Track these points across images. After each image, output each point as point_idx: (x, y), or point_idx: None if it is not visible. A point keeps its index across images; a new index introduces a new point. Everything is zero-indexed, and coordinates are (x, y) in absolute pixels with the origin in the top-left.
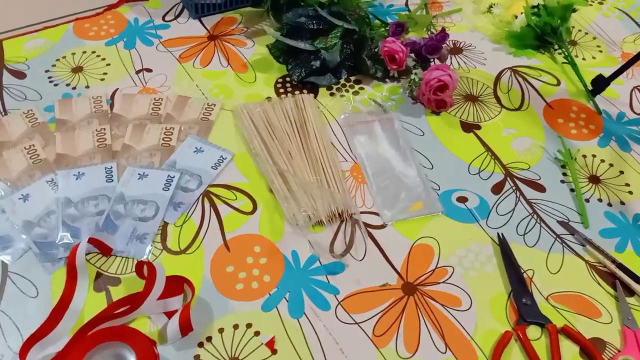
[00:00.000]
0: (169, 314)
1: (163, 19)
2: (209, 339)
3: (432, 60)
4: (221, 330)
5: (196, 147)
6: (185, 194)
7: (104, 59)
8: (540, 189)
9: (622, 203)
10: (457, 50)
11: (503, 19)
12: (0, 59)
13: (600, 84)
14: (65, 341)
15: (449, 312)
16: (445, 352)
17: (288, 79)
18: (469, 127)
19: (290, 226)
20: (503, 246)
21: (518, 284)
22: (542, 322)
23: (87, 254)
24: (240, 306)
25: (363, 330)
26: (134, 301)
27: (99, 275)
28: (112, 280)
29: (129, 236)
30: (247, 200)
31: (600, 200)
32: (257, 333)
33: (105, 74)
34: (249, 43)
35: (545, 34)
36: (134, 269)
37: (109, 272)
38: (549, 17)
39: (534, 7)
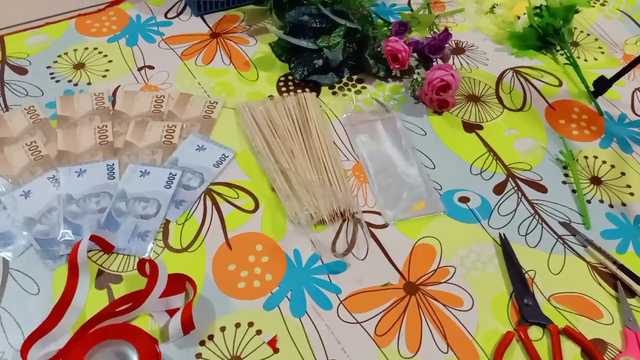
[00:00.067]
0: (171, 312)
1: (165, 16)
2: (210, 337)
3: (434, 60)
4: (223, 329)
5: (198, 145)
6: (187, 192)
7: (105, 56)
8: (542, 189)
9: (624, 204)
10: (459, 50)
11: (505, 19)
12: (1, 55)
13: (602, 85)
14: (67, 339)
15: (450, 312)
16: (447, 352)
17: (290, 77)
18: (471, 127)
19: (292, 225)
20: (505, 246)
21: (520, 285)
22: (544, 322)
23: (88, 252)
24: (242, 305)
25: (365, 329)
26: (136, 299)
27: (100, 272)
28: (114, 277)
29: (131, 234)
30: (249, 199)
31: (601, 201)
32: (259, 332)
33: (107, 70)
34: (251, 41)
35: (547, 34)
36: (135, 267)
37: (111, 270)
38: (552, 18)
39: (536, 7)
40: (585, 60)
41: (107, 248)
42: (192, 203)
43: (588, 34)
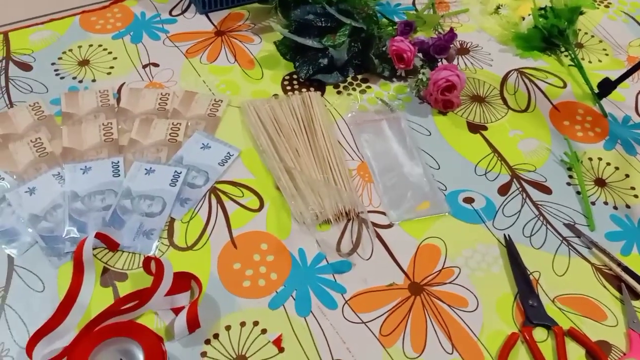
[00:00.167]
0: (176, 311)
1: (170, 13)
2: (215, 336)
3: (439, 60)
4: (228, 328)
5: (203, 143)
6: (192, 190)
7: (110, 53)
8: (547, 191)
9: (628, 206)
10: (463, 50)
11: (510, 20)
12: (6, 51)
13: (607, 87)
14: (72, 336)
15: (455, 312)
16: (452, 353)
17: (295, 76)
18: (475, 127)
19: (297, 224)
20: (509, 247)
21: (524, 286)
22: (549, 324)
23: (93, 249)
24: (247, 303)
25: (370, 329)
26: (141, 297)
27: (105, 270)
28: (119, 275)
29: (136, 232)
30: (253, 198)
31: (606, 203)
32: (264, 331)
33: (111, 67)
34: (256, 39)
35: (552, 36)
36: (141, 265)
37: (116, 268)
38: (556, 19)
39: (541, 9)
40: (590, 62)
41: (112, 246)
42: (197, 201)
43: (592, 36)
